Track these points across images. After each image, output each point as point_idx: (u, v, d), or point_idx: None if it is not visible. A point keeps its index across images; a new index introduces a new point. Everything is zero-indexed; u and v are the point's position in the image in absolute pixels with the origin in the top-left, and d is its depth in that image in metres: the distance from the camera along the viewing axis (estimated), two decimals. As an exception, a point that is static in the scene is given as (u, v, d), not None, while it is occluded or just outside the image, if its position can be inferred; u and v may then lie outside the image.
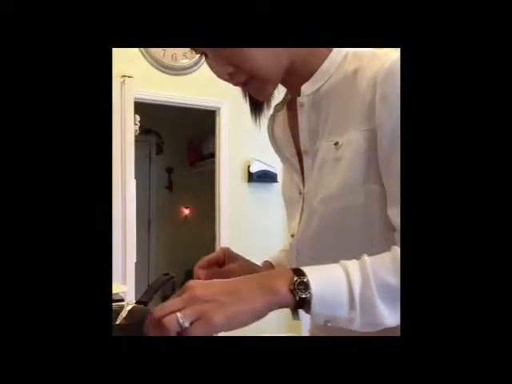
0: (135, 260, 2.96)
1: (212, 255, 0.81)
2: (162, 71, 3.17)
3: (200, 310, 0.50)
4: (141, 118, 3.04)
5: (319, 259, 0.59)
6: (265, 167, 3.37)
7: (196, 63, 3.24)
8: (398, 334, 0.53)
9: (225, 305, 0.50)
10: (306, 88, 0.66)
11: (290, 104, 0.73)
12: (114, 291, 1.35)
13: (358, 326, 0.55)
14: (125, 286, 2.19)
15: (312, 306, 0.52)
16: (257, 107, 0.76)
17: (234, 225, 3.38)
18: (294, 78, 0.67)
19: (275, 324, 3.29)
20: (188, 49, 3.40)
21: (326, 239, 0.66)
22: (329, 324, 0.55)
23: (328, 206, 0.64)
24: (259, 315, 0.53)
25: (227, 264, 0.80)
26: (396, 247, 0.57)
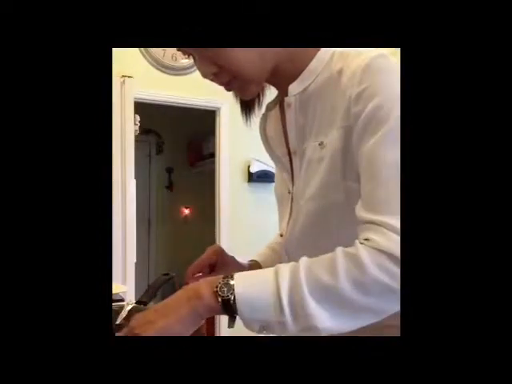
0: (135, 260, 2.96)
1: (202, 258, 0.77)
2: (162, 71, 3.16)
3: (133, 333, 0.56)
4: (141, 118, 3.03)
5: (306, 256, 0.59)
6: (265, 167, 3.37)
7: (196, 63, 3.23)
8: (396, 332, 0.52)
9: (153, 322, 0.55)
10: (293, 88, 0.66)
11: (282, 103, 0.73)
12: (114, 291, 1.35)
13: (294, 330, 0.53)
14: (125, 286, 2.19)
15: (238, 310, 0.52)
16: (247, 106, 0.76)
17: (234, 225, 3.38)
18: (282, 78, 0.67)
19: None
20: (188, 49, 3.35)
21: (310, 238, 0.66)
22: (264, 331, 0.54)
23: (311, 204, 0.64)
24: (188, 322, 0.55)
25: (219, 266, 0.78)
26: (339, 248, 0.55)
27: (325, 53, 0.67)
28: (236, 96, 0.74)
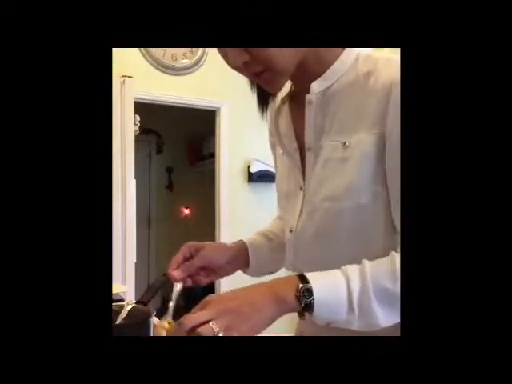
0: (135, 260, 2.96)
1: (177, 255, 0.80)
2: (162, 71, 3.16)
3: (229, 321, 0.56)
4: (141, 118, 3.03)
5: (317, 255, 0.65)
6: (265, 167, 3.37)
7: (196, 63, 3.23)
8: (398, 333, 0.53)
9: (248, 317, 0.57)
10: (316, 86, 0.66)
11: (294, 98, 0.73)
12: (114, 291, 1.35)
13: (356, 327, 0.59)
14: (125, 286, 2.19)
15: (315, 310, 0.57)
16: (264, 99, 0.74)
17: (234, 225, 3.38)
18: (305, 74, 0.67)
19: (275, 324, 3.29)
20: (188, 49, 3.37)
21: (326, 236, 0.67)
22: (330, 325, 0.59)
23: (333, 204, 0.65)
24: (272, 321, 0.59)
25: (195, 256, 0.80)
26: (395, 253, 0.60)
27: (349, 54, 0.67)
28: (253, 89, 0.73)
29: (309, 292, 0.57)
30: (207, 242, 0.81)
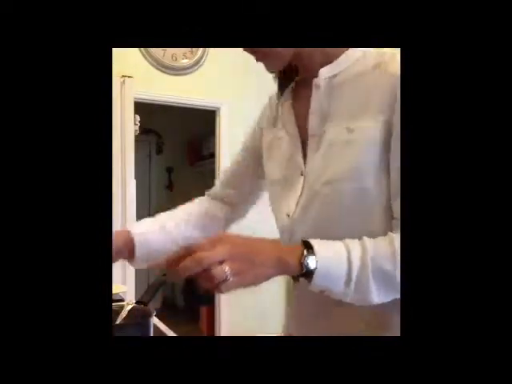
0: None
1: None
2: (162, 71, 3.16)
3: (240, 265, 0.55)
4: (141, 118, 3.03)
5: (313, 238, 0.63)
6: (265, 167, 3.37)
7: (196, 63, 3.23)
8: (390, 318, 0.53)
9: (255, 267, 0.56)
10: (325, 71, 0.68)
11: (298, 86, 0.74)
12: (114, 291, 1.35)
13: (349, 299, 0.61)
14: (125, 286, 2.19)
15: (314, 278, 0.58)
16: (284, 81, 0.76)
17: (234, 224, 3.38)
18: (312, 62, 0.69)
19: (275, 324, 3.29)
20: (188, 49, 3.36)
21: (327, 221, 0.68)
22: (324, 293, 0.60)
23: (335, 187, 0.65)
24: (268, 279, 0.59)
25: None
26: (393, 235, 0.61)
27: (355, 50, 0.69)
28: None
29: (311, 260, 0.57)
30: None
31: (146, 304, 0.83)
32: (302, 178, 0.71)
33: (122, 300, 1.28)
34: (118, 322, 0.79)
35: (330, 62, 0.69)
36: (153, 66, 3.14)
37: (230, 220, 0.96)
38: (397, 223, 0.63)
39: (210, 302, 3.57)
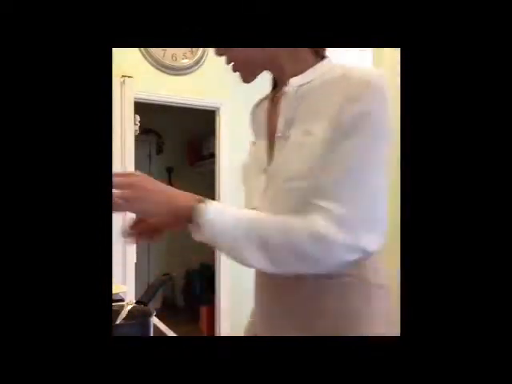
0: (135, 260, 2.96)
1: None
2: (162, 71, 3.16)
3: (131, 195, 0.65)
4: (141, 118, 3.03)
5: None
6: (265, 167, 3.37)
7: (196, 63, 3.23)
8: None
9: (147, 199, 0.67)
10: (294, 81, 0.75)
11: (274, 94, 0.83)
12: (114, 291, 1.35)
13: (225, 254, 0.67)
14: (125, 286, 2.19)
15: (201, 226, 0.66)
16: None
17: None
18: (284, 73, 0.77)
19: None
20: (188, 49, 3.35)
21: (288, 214, 0.72)
22: (214, 248, 0.68)
23: (294, 184, 0.71)
24: (158, 216, 0.72)
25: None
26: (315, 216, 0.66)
27: (327, 63, 0.76)
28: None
29: (202, 208, 0.66)
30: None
31: (146, 304, 0.83)
32: (264, 176, 0.78)
33: (122, 300, 1.28)
34: (118, 321, 0.79)
35: (302, 72, 0.75)
36: (153, 65, 3.14)
37: None
38: (315, 207, 0.67)
39: (210, 301, 3.58)
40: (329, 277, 0.70)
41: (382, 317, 0.72)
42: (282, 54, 0.75)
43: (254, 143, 0.86)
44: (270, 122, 0.80)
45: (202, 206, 0.67)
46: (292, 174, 0.71)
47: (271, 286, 0.77)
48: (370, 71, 0.67)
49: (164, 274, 0.90)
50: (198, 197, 0.70)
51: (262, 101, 0.88)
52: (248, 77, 0.78)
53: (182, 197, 0.70)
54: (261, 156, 0.80)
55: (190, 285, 4.58)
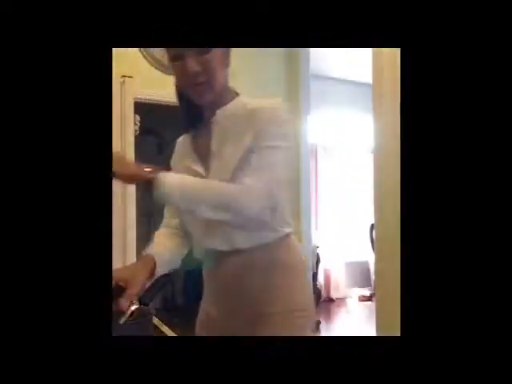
0: (135, 260, 2.96)
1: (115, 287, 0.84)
2: (162, 71, 3.16)
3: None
4: (141, 118, 3.03)
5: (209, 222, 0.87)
6: (265, 167, 3.36)
7: (196, 63, 3.23)
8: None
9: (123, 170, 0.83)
10: (221, 111, 0.92)
11: (198, 130, 0.98)
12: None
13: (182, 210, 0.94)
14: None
15: (159, 187, 0.82)
16: (191, 114, 0.99)
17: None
18: (216, 103, 0.92)
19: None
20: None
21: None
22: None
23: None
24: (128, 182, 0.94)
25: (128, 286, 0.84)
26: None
27: (241, 99, 0.94)
28: (180, 104, 0.98)
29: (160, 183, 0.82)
30: (125, 274, 0.88)
31: (146, 304, 0.83)
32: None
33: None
34: (121, 321, 0.79)
35: (222, 104, 0.92)
36: (153, 66, 3.13)
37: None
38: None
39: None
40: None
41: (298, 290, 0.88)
42: (222, 90, 0.90)
43: (187, 166, 0.99)
44: (200, 147, 0.97)
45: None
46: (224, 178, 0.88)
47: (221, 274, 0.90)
48: (262, 107, 0.87)
49: (164, 274, 0.90)
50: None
51: (186, 136, 1.02)
52: (209, 96, 0.88)
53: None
54: (199, 170, 0.95)
55: (190, 285, 4.58)
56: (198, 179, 0.91)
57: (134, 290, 0.82)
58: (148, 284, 0.89)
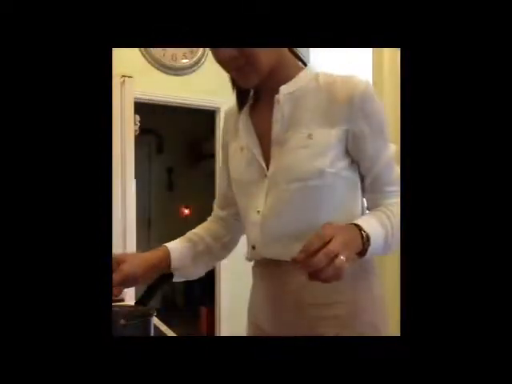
0: (135, 260, 2.95)
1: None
2: (161, 71, 3.16)
3: (348, 253, 0.66)
4: (141, 118, 3.03)
5: (284, 228, 0.80)
6: (265, 167, 3.36)
7: (196, 63, 3.23)
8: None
9: (352, 250, 0.69)
10: (284, 88, 0.80)
11: (255, 104, 0.87)
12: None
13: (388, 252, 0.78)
14: (125, 286, 2.18)
15: (368, 250, 0.72)
16: (243, 98, 0.89)
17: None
18: (273, 80, 0.80)
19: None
20: (188, 49, 3.36)
21: (292, 212, 0.80)
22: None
23: (300, 185, 0.78)
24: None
25: (115, 270, 0.80)
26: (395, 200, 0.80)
27: (310, 70, 0.83)
28: (233, 87, 0.89)
29: (367, 239, 0.71)
30: (128, 254, 0.86)
31: (146, 304, 0.83)
32: (265, 180, 0.82)
33: (122, 300, 1.28)
34: (118, 322, 0.79)
35: (287, 80, 0.80)
36: (153, 65, 3.14)
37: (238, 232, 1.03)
38: (389, 194, 0.81)
39: (210, 302, 3.58)
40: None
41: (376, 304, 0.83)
42: (278, 62, 0.78)
43: (241, 149, 0.87)
44: (258, 127, 0.84)
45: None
46: (299, 176, 0.77)
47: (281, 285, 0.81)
48: (358, 82, 0.77)
49: (164, 274, 0.90)
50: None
51: (241, 106, 0.89)
52: (250, 83, 0.79)
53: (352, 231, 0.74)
54: (257, 163, 0.83)
55: (190, 285, 4.58)
56: (378, 216, 0.77)
57: (127, 267, 0.77)
58: (153, 273, 0.84)
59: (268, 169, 0.82)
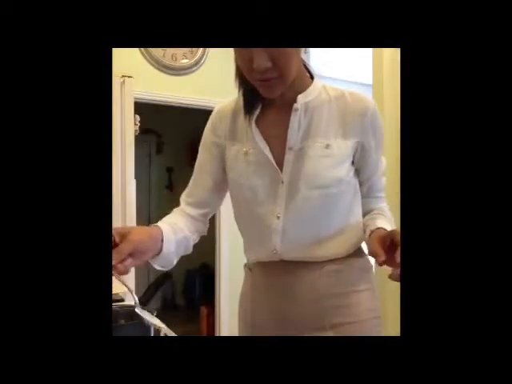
0: (135, 260, 2.95)
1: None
2: (162, 71, 3.16)
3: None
4: (141, 118, 3.03)
5: (305, 233, 0.85)
6: (265, 167, 3.36)
7: (196, 63, 3.23)
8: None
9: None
10: (301, 98, 0.84)
11: (263, 110, 0.88)
12: (113, 291, 1.35)
13: None
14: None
15: None
16: (253, 105, 0.89)
17: (234, 224, 3.38)
18: (289, 90, 0.82)
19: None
20: (188, 49, 3.36)
21: (313, 217, 0.85)
22: None
23: (323, 191, 0.83)
24: None
25: (123, 241, 0.75)
26: (384, 204, 0.95)
27: (317, 82, 0.87)
28: (239, 91, 0.91)
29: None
30: (132, 226, 0.82)
31: (146, 304, 0.83)
32: (282, 186, 0.85)
33: (122, 300, 1.28)
34: (118, 322, 0.79)
35: (303, 90, 0.84)
36: (153, 65, 3.13)
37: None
38: (380, 199, 0.94)
39: (210, 302, 3.58)
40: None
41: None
42: (298, 74, 0.80)
43: (245, 154, 0.87)
44: (266, 134, 0.86)
45: None
46: (320, 183, 0.83)
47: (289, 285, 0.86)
48: (369, 100, 0.85)
49: (164, 274, 0.90)
50: None
51: (249, 111, 0.88)
52: (275, 92, 0.78)
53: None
54: (270, 168, 0.85)
55: (190, 285, 4.58)
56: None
57: (135, 236, 0.73)
58: (156, 248, 0.79)
59: (282, 175, 0.84)
